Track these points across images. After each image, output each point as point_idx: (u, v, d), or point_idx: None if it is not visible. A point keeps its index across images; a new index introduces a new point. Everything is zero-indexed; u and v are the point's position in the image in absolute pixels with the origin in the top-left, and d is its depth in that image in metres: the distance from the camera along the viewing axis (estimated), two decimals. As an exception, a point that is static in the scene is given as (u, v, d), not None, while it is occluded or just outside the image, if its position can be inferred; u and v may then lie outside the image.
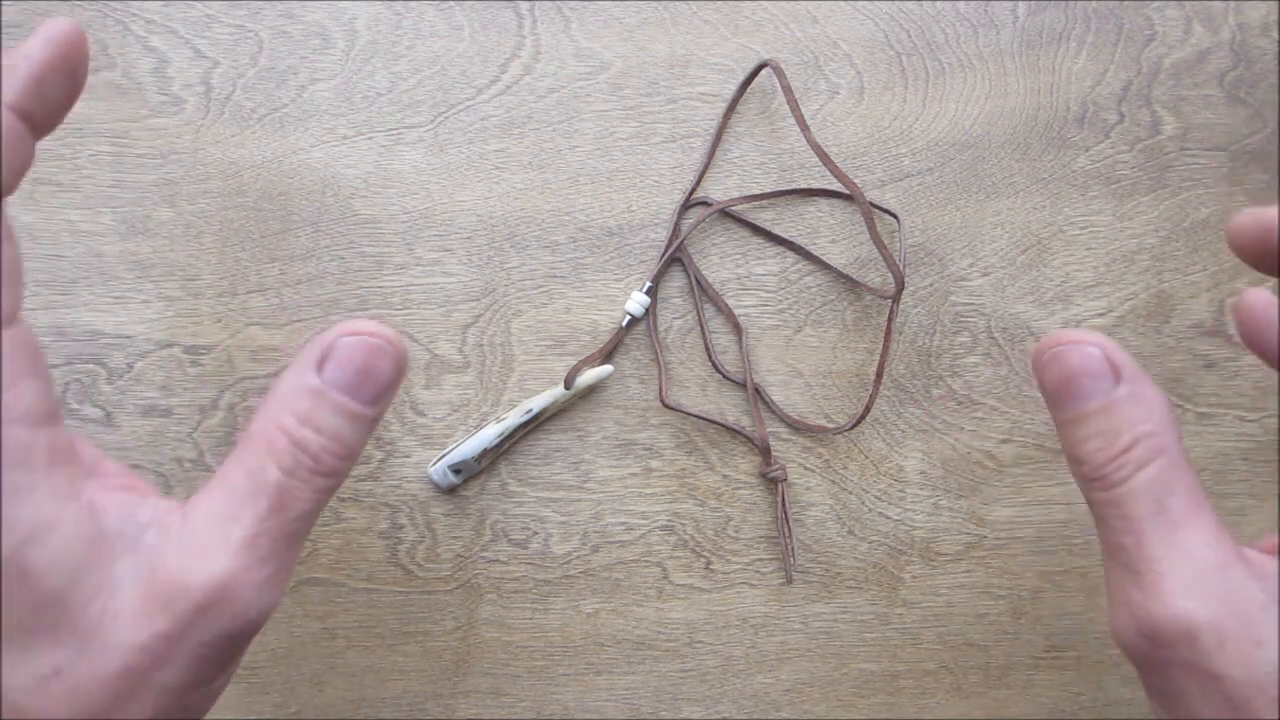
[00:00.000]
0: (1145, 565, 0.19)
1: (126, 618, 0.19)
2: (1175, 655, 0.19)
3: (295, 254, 0.36)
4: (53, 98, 0.20)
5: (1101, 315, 0.37)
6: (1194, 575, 0.19)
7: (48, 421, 0.20)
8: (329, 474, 0.21)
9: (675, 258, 0.36)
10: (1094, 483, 0.20)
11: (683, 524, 0.36)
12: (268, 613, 0.20)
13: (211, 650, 0.19)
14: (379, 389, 0.21)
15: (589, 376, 0.35)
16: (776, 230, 0.37)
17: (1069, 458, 0.21)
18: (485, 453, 0.35)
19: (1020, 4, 0.37)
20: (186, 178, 0.36)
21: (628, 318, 0.36)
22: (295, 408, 0.20)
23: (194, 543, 0.19)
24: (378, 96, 0.36)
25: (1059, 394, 0.21)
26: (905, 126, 0.37)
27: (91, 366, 0.36)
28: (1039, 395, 0.37)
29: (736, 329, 0.36)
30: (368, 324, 0.21)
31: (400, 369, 0.22)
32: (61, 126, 0.35)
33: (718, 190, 0.37)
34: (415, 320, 0.36)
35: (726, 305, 0.36)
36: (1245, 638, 0.18)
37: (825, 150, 0.34)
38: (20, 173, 0.20)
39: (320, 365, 0.21)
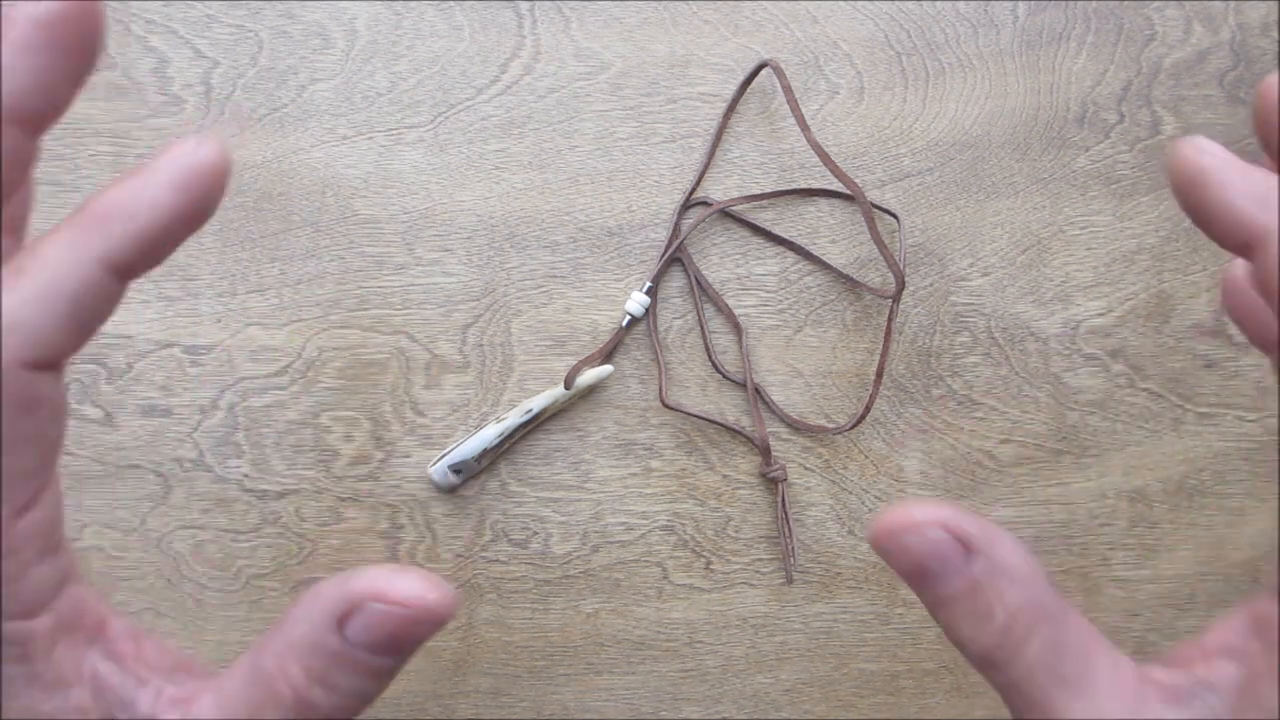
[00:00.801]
0: None
1: None
2: None
3: (295, 254, 0.36)
4: (164, 249, 0.17)
5: (1101, 315, 0.37)
6: None
7: (53, 599, 0.18)
8: None
9: (675, 258, 0.36)
10: (985, 666, 0.19)
11: (683, 524, 0.36)
12: None
13: None
14: (413, 647, 0.18)
15: (589, 376, 0.35)
16: (776, 230, 0.37)
17: (953, 643, 0.20)
18: (485, 453, 0.35)
19: (1020, 4, 0.37)
20: (186, 178, 0.36)
21: (628, 318, 0.36)
22: (308, 664, 0.17)
23: None
24: (378, 96, 0.36)
25: (914, 582, 0.19)
26: (905, 126, 0.37)
27: (91, 366, 0.36)
28: (1039, 395, 0.37)
29: (736, 329, 0.36)
30: (404, 585, 0.17)
31: (443, 624, 0.18)
32: (61, 126, 0.35)
33: (718, 190, 0.37)
34: (415, 320, 0.36)
35: (726, 305, 0.36)
36: None
37: (825, 150, 0.34)
38: (98, 327, 0.17)
39: (343, 622, 0.17)
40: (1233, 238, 0.17)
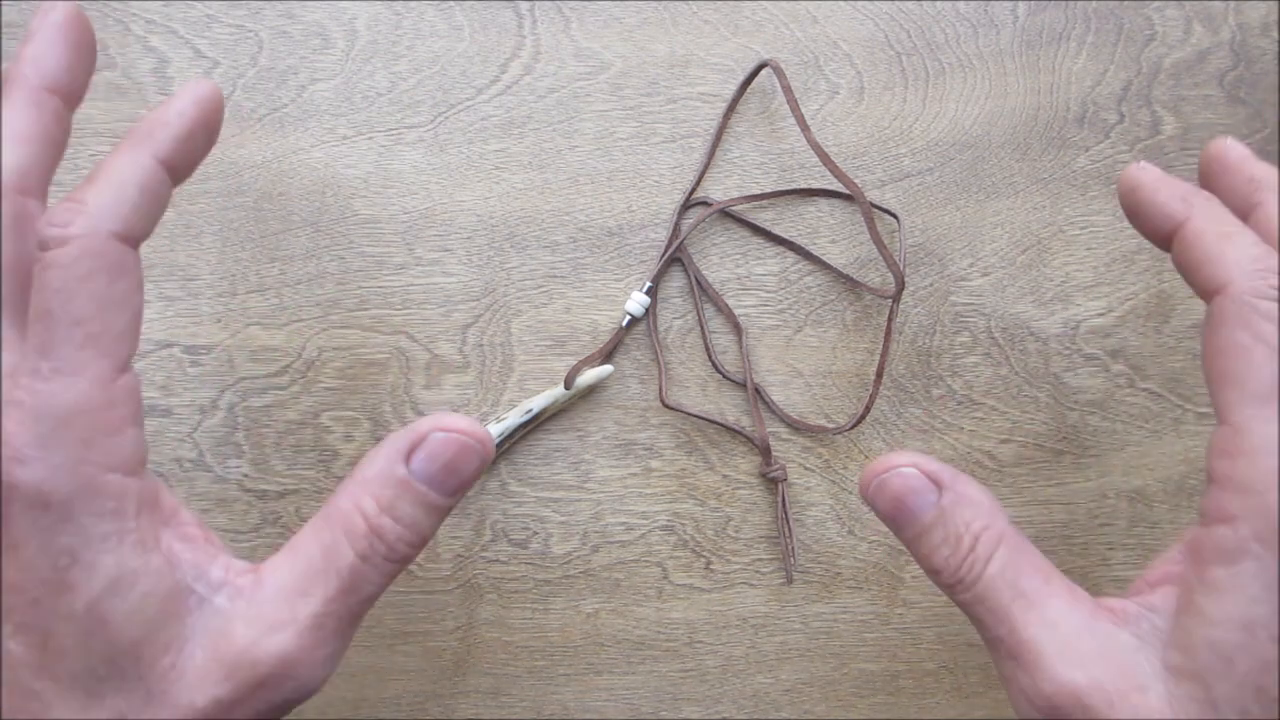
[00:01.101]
0: (1022, 648, 0.20)
1: (191, 678, 0.19)
2: None
3: (295, 254, 0.36)
4: (194, 151, 0.22)
5: (1101, 315, 0.37)
6: (1066, 644, 0.20)
7: (139, 468, 0.20)
8: (401, 560, 0.21)
9: (675, 258, 0.36)
10: (954, 588, 0.22)
11: (683, 524, 0.36)
12: (322, 685, 0.21)
13: (263, 716, 0.20)
14: (461, 484, 0.22)
15: (589, 376, 0.35)
16: (776, 230, 0.37)
17: (929, 574, 0.22)
18: (485, 453, 0.35)
19: (1020, 4, 0.37)
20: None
21: (628, 318, 0.36)
22: (378, 494, 0.21)
23: (263, 614, 0.20)
24: (378, 96, 0.36)
25: (895, 518, 0.22)
26: (905, 126, 0.37)
27: (91, 366, 0.35)
28: (1039, 395, 0.37)
29: (736, 329, 0.36)
30: (460, 420, 0.22)
31: (484, 466, 0.22)
32: (61, 126, 0.35)
33: (718, 190, 0.37)
34: (415, 320, 0.36)
35: (726, 305, 0.36)
36: (1129, 688, 0.19)
37: (825, 150, 0.34)
38: (158, 218, 0.21)
39: (409, 456, 0.21)
40: (1160, 229, 0.22)
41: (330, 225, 0.36)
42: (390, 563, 0.21)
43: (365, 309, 0.36)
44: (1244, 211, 0.22)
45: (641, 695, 0.37)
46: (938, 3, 0.37)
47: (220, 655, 0.19)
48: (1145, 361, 0.37)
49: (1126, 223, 0.37)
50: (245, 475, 0.36)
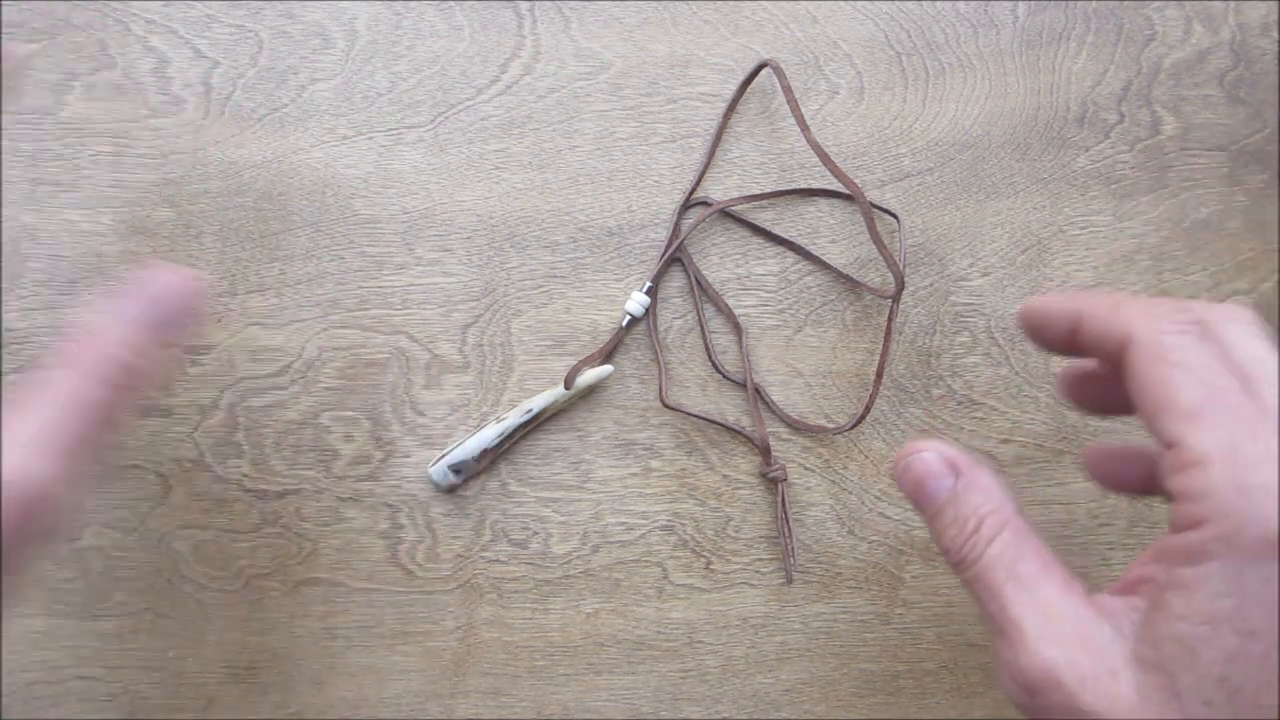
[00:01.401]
0: (1009, 625, 0.22)
1: None
2: (1049, 701, 0.21)
3: (295, 254, 0.36)
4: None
5: (1101, 315, 0.37)
6: (1050, 625, 0.21)
7: None
8: (108, 379, 0.24)
9: (675, 258, 0.36)
10: (959, 565, 0.23)
11: (683, 524, 0.36)
12: (40, 490, 0.23)
13: None
14: (170, 313, 0.26)
15: (589, 376, 0.35)
16: (776, 230, 0.37)
17: (941, 553, 0.24)
18: (485, 453, 0.35)
19: (1020, 4, 0.37)
20: (186, 178, 0.36)
21: (628, 318, 0.36)
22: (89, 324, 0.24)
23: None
24: (378, 96, 0.36)
25: (916, 498, 0.25)
26: (905, 126, 0.37)
27: (91, 366, 0.35)
28: (1039, 395, 0.37)
29: (736, 329, 0.36)
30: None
31: (196, 295, 0.26)
32: (61, 126, 0.35)
33: (718, 190, 0.37)
34: (415, 320, 0.36)
35: (726, 305, 0.36)
36: (1102, 672, 0.20)
37: (825, 150, 0.34)
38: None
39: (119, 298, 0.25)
40: (1062, 328, 0.24)
41: (330, 225, 0.36)
42: (104, 387, 0.24)
43: (365, 309, 0.36)
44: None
45: (641, 695, 0.37)
46: (938, 3, 0.37)
47: None
48: (1145, 361, 0.37)
49: (1126, 223, 0.37)
50: (245, 475, 0.36)
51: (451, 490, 0.36)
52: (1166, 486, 0.21)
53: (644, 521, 0.36)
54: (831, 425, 0.37)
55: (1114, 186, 0.37)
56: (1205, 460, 0.20)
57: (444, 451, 0.35)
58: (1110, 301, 0.23)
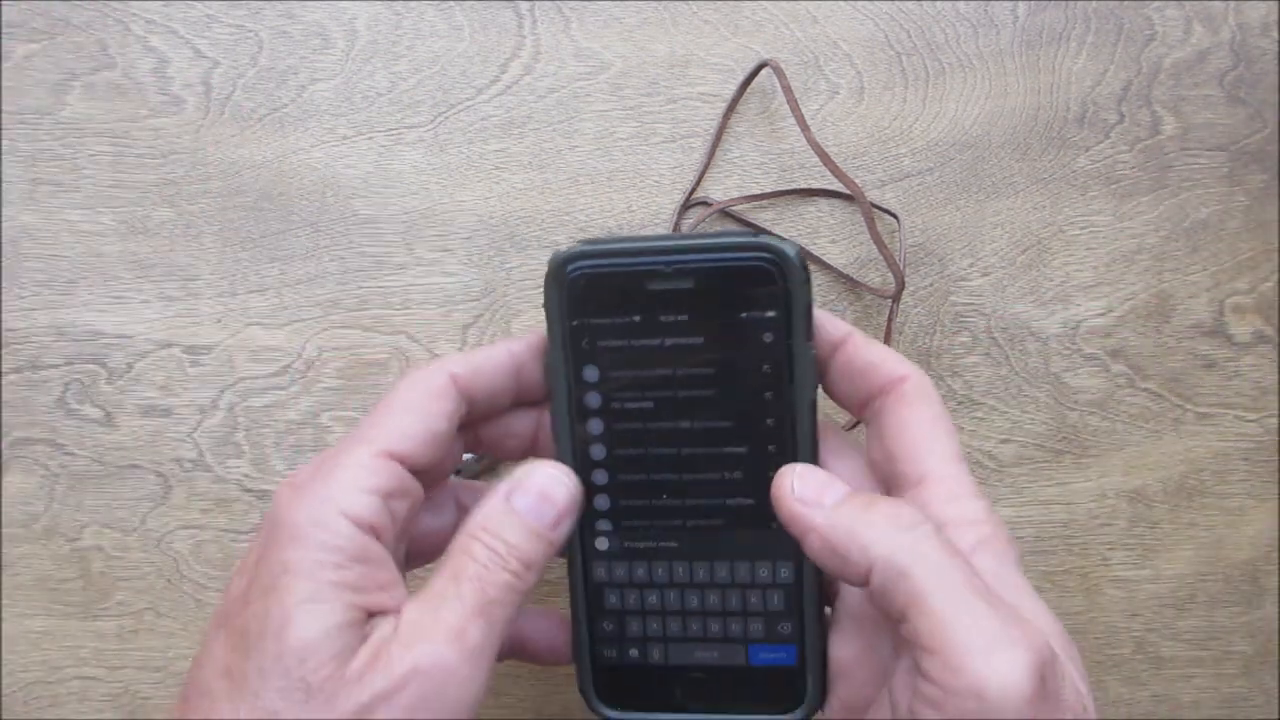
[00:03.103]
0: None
1: (353, 679, 0.21)
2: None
3: (295, 254, 0.36)
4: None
5: (1101, 315, 0.37)
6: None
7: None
8: (515, 574, 0.24)
9: (675, 258, 0.36)
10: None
11: (683, 524, 0.36)
12: (471, 704, 0.22)
13: (416, 717, 0.21)
14: (556, 512, 0.25)
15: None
16: (776, 230, 0.37)
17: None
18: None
19: (1020, 4, 0.37)
20: (186, 178, 0.36)
21: (628, 318, 0.36)
22: (486, 525, 0.24)
23: (412, 626, 0.22)
24: (378, 96, 0.36)
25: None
26: (905, 126, 0.37)
27: (91, 366, 0.36)
28: (1039, 395, 0.37)
29: (736, 329, 0.36)
30: (549, 463, 0.26)
31: (573, 498, 0.25)
32: (61, 126, 0.35)
33: (718, 190, 0.37)
34: (415, 320, 0.36)
35: (726, 305, 0.36)
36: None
37: (825, 150, 0.34)
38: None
39: (510, 495, 0.25)
40: (826, 343, 0.26)
41: (330, 225, 0.36)
42: (512, 581, 0.23)
43: (365, 309, 0.36)
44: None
45: (641, 695, 0.36)
46: (938, 3, 0.37)
47: (377, 658, 0.22)
48: (1145, 361, 0.37)
49: (1126, 223, 0.37)
50: (245, 475, 0.36)
51: (451, 490, 0.36)
52: (933, 512, 0.24)
53: (644, 521, 0.36)
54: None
55: (1114, 186, 0.37)
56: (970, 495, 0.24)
57: (444, 451, 0.35)
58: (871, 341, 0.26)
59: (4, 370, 0.35)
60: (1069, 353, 0.37)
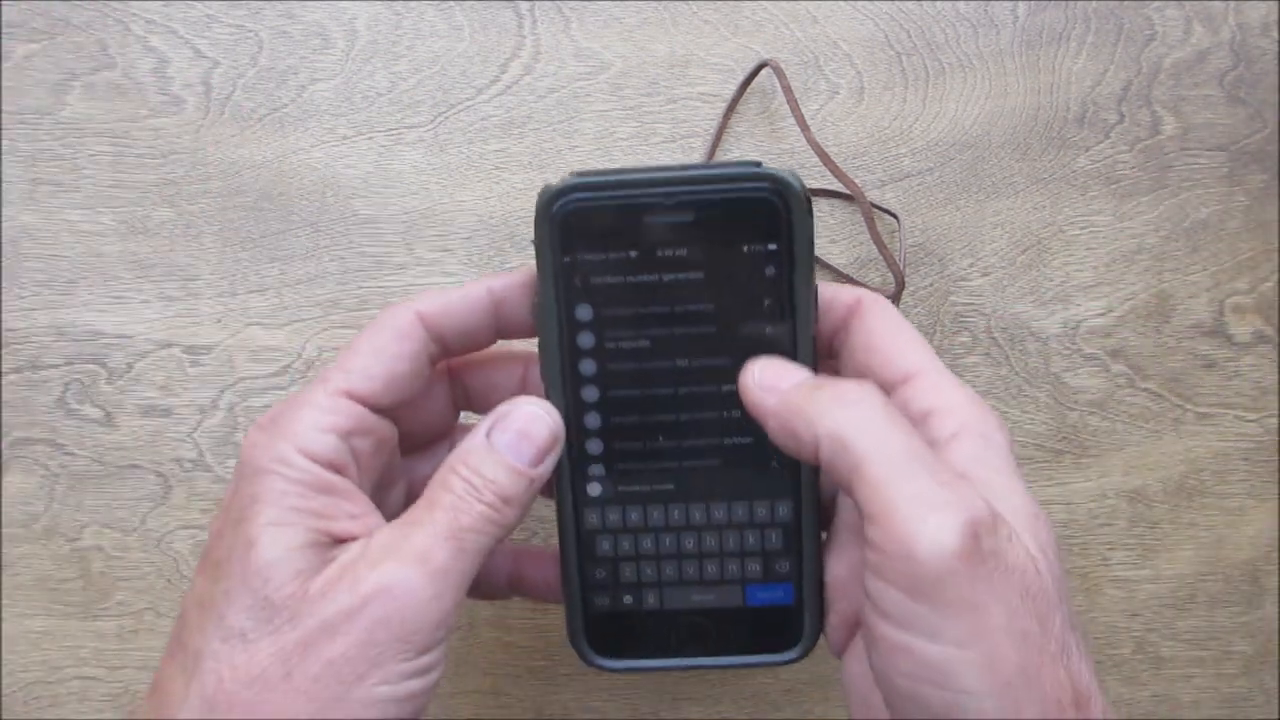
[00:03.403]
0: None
1: (316, 596, 0.22)
2: None
3: (295, 254, 0.36)
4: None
5: (1101, 315, 0.37)
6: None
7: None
8: (495, 518, 0.24)
9: (675, 258, 0.36)
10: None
11: (683, 524, 0.36)
12: (434, 630, 0.22)
13: (377, 635, 0.21)
14: (535, 449, 0.25)
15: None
16: (776, 230, 0.37)
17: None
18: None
19: (1020, 4, 0.37)
20: (186, 178, 0.36)
21: (628, 318, 0.36)
22: (466, 459, 0.24)
23: (380, 548, 0.23)
24: (378, 96, 0.36)
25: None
26: (905, 126, 0.37)
27: (91, 366, 0.36)
28: (1039, 395, 0.37)
29: (736, 329, 0.36)
30: (530, 399, 0.25)
31: (555, 436, 0.25)
32: (61, 126, 0.35)
33: (718, 190, 0.37)
34: (415, 320, 0.36)
35: (726, 305, 0.36)
36: None
37: (825, 150, 0.34)
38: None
39: (489, 431, 0.24)
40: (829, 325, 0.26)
41: (330, 225, 0.36)
42: (487, 511, 0.23)
43: (365, 309, 0.36)
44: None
45: (641, 695, 0.37)
46: (938, 3, 0.37)
47: (342, 575, 0.22)
48: (1145, 361, 0.37)
49: (1126, 223, 0.37)
50: (245, 475, 0.36)
51: (451, 490, 0.36)
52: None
53: (644, 521, 0.36)
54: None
55: (1114, 186, 0.37)
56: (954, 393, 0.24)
57: (444, 451, 0.35)
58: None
59: (4, 370, 0.35)
60: (1069, 353, 0.37)
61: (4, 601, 0.36)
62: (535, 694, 0.36)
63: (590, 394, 0.26)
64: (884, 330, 0.25)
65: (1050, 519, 0.23)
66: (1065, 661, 0.21)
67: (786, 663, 0.27)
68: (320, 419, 0.24)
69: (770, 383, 0.24)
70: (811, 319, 0.25)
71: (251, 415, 0.36)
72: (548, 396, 0.26)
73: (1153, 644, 0.38)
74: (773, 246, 0.24)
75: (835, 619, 0.25)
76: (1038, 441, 0.37)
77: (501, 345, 0.28)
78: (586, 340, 0.25)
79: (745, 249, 0.24)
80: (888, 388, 0.25)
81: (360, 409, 0.24)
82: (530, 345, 0.26)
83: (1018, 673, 0.20)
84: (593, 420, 0.26)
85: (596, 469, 0.26)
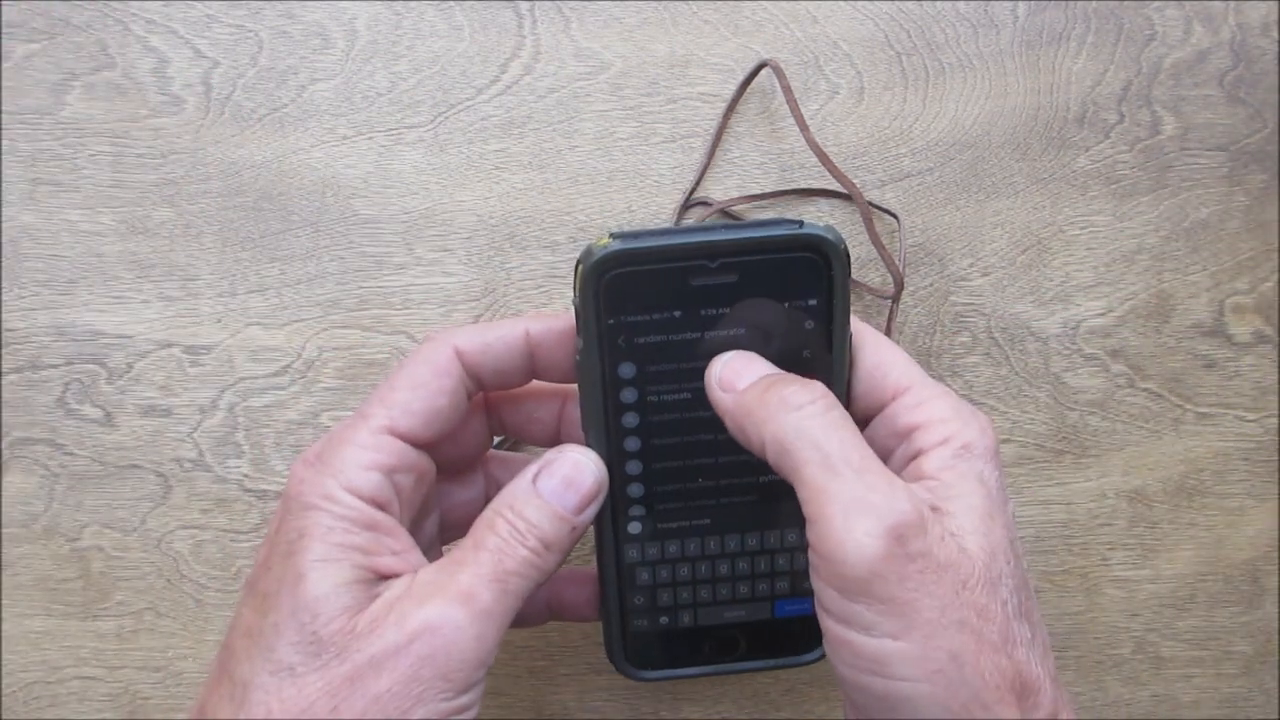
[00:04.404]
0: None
1: (363, 632, 0.22)
2: None
3: (295, 254, 0.36)
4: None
5: (1101, 315, 0.37)
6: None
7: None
8: (534, 551, 0.24)
9: (675, 258, 0.36)
10: None
11: (683, 524, 0.36)
12: (476, 666, 0.23)
13: (421, 672, 0.22)
14: (579, 497, 0.25)
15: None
16: (776, 230, 0.37)
17: None
18: (485, 453, 0.35)
19: (1020, 4, 0.37)
20: (186, 178, 0.36)
21: (628, 318, 0.36)
22: (511, 504, 0.25)
23: (426, 585, 0.23)
24: (378, 96, 0.36)
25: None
26: (905, 126, 0.37)
27: (91, 366, 0.36)
28: (1039, 395, 0.37)
29: (736, 329, 0.36)
30: (576, 448, 0.26)
31: (599, 486, 0.26)
32: (61, 126, 0.35)
33: (718, 190, 0.37)
34: (415, 320, 0.36)
35: (726, 305, 0.36)
36: None
37: (825, 150, 0.34)
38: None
39: (535, 478, 0.25)
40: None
41: (330, 225, 0.36)
42: (530, 556, 0.24)
43: (365, 309, 0.36)
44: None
45: (641, 695, 0.37)
46: (938, 3, 0.37)
47: (388, 613, 0.23)
48: (1145, 361, 0.37)
49: (1126, 223, 0.37)
50: (245, 475, 0.36)
51: (451, 490, 0.36)
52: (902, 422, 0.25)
53: (644, 521, 0.36)
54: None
55: (1114, 186, 0.37)
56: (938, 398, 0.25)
57: (444, 451, 0.35)
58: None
59: (4, 370, 0.35)
60: (1069, 353, 0.37)
61: (4, 601, 0.36)
62: (535, 694, 0.36)
63: (632, 444, 0.26)
64: (870, 354, 0.27)
65: (1016, 516, 0.24)
66: (1009, 650, 0.22)
67: (811, 663, 0.28)
68: (364, 457, 0.24)
69: (729, 382, 0.25)
70: (846, 364, 0.26)
71: (251, 415, 0.36)
72: (588, 444, 0.26)
73: (1153, 644, 0.38)
74: (813, 302, 0.25)
75: None
76: (1038, 441, 0.37)
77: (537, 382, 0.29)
78: (629, 396, 0.26)
79: (787, 305, 0.25)
80: (880, 406, 0.26)
81: (402, 445, 0.25)
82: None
83: (949, 660, 0.21)
84: (634, 467, 0.27)
85: (637, 509, 0.27)
